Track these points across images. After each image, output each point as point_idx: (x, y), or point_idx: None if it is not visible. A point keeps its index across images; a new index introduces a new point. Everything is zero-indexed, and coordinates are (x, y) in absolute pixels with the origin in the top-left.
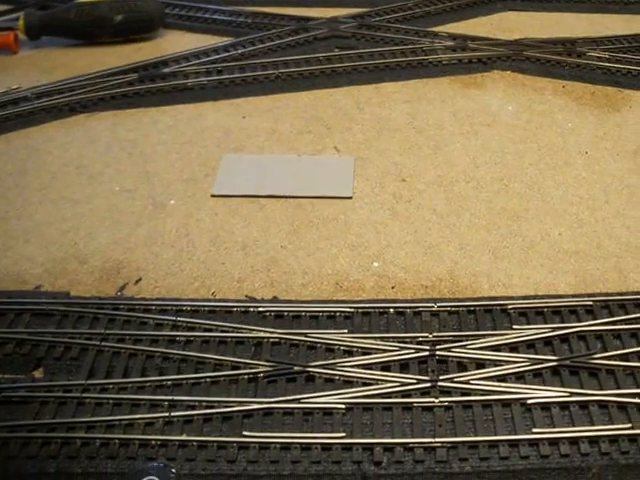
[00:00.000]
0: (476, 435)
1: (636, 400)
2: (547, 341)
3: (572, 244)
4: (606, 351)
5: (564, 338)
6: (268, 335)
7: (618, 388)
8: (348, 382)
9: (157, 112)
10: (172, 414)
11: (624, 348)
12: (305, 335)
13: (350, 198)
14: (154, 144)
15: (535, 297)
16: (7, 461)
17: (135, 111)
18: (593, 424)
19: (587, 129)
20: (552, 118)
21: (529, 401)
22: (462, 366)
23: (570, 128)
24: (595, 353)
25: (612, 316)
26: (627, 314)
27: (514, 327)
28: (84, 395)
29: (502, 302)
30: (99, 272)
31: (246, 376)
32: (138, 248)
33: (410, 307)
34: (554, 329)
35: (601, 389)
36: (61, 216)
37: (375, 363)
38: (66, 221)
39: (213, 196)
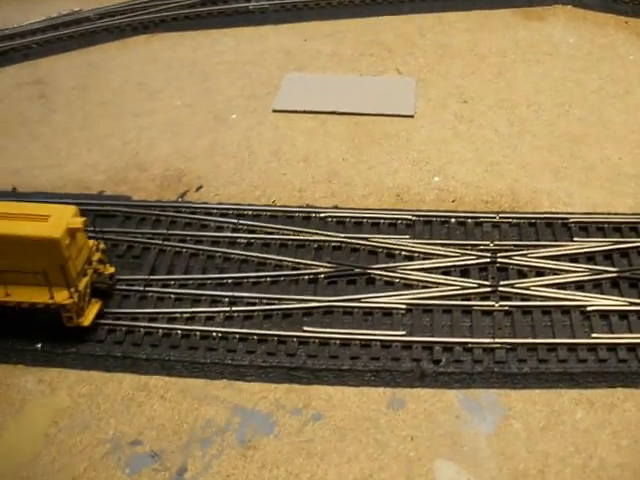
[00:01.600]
0: (535, 338)
1: None
2: (607, 254)
3: (632, 168)
4: None
5: (624, 252)
6: (329, 239)
7: None
8: (408, 285)
9: (218, 34)
10: (233, 309)
11: None
12: (366, 240)
13: (412, 117)
14: (215, 63)
15: (595, 214)
16: None
17: (196, 33)
18: None
19: None
20: (614, 51)
21: (588, 308)
22: (522, 274)
23: (632, 60)
24: None
25: None
26: None
27: (574, 239)
28: (147, 289)
29: (563, 216)
30: (160, 179)
31: (306, 276)
32: (199, 158)
33: (471, 217)
34: (614, 242)
35: None
36: (122, 128)
37: (436, 268)
38: (127, 133)
39: (275, 111)
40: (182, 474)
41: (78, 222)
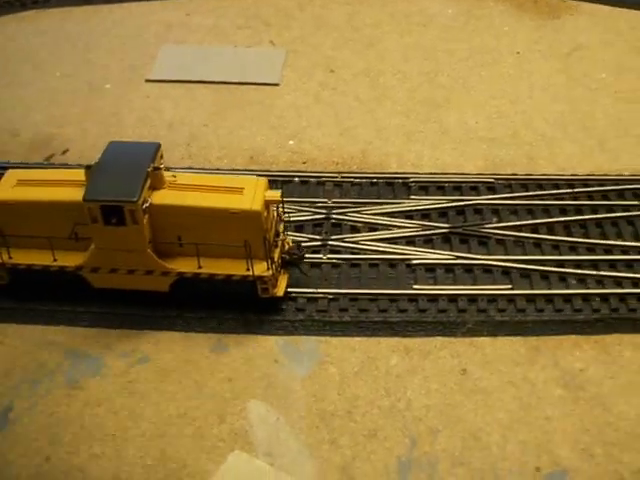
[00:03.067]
0: (359, 289)
1: (521, 266)
2: (442, 211)
3: (488, 132)
4: (500, 222)
5: (460, 210)
6: None
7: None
8: None
9: (106, 9)
10: None
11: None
12: None
13: (277, 85)
14: (99, 37)
15: (438, 174)
16: None
17: (85, 8)
18: (476, 285)
19: (523, 33)
20: (490, 22)
21: (413, 261)
22: (355, 229)
23: (506, 31)
24: (488, 223)
25: (513, 193)
26: (527, 192)
27: (411, 197)
28: None
29: (404, 176)
30: (29, 144)
31: None
32: (69, 125)
33: (314, 177)
34: (451, 201)
35: (489, 256)
36: (0, 97)
37: None
38: (4, 101)
39: (148, 81)
40: (7, 413)
41: (276, 195)
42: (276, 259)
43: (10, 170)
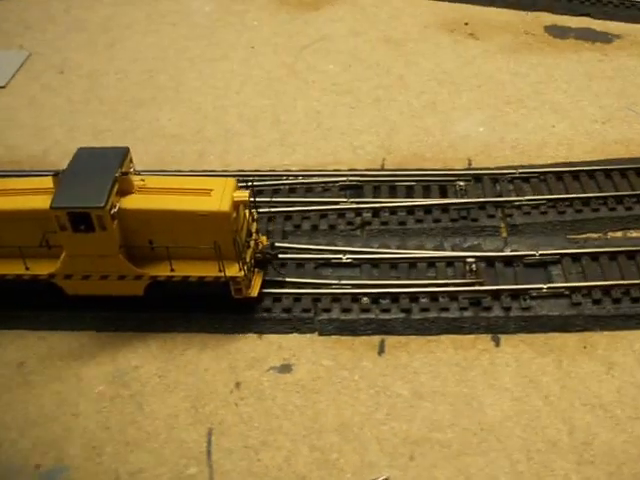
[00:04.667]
0: None
1: None
2: None
3: (176, 128)
4: None
5: None
6: None
7: None
8: None
9: None
10: None
11: None
12: None
13: (3, 87)
14: None
15: None
16: None
17: None
18: None
19: (271, 26)
20: (242, 17)
21: None
22: None
23: (253, 26)
24: None
25: None
26: None
27: None
28: None
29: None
30: None
31: None
32: None
33: None
34: None
35: None
36: None
37: None
38: None
39: None
40: None
41: (244, 195)
42: (248, 259)
43: None
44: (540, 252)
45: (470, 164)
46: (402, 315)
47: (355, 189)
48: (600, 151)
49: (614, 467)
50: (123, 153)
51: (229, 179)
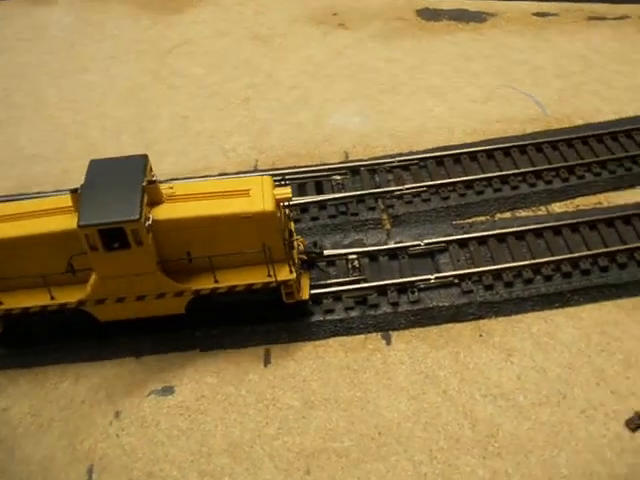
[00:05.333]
0: None
1: None
2: None
3: (36, 148)
4: None
5: None
6: None
7: None
8: None
9: None
10: None
11: None
12: None
13: None
14: None
15: None
16: None
17: None
18: None
19: (133, 33)
20: (102, 27)
21: None
22: None
23: (114, 35)
24: None
25: None
26: None
27: None
28: None
29: None
30: None
31: None
32: None
33: None
34: None
35: None
36: None
37: None
38: None
39: None
40: None
41: (286, 192)
42: (296, 260)
43: None
44: (425, 241)
45: (347, 157)
46: (283, 324)
47: None
48: (482, 132)
49: (521, 456)
50: (143, 162)
51: (265, 177)
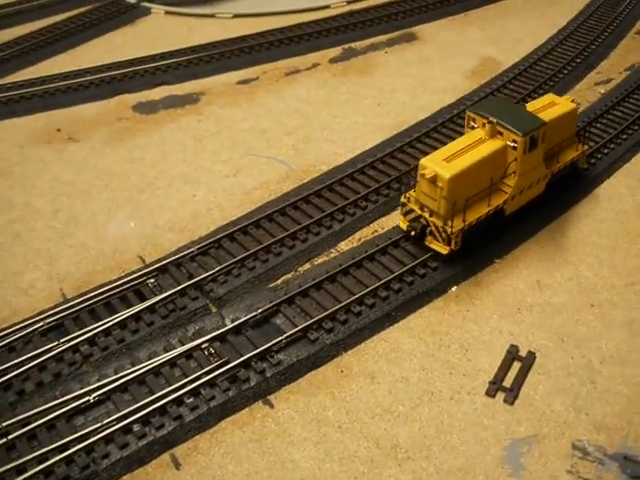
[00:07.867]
0: None
1: None
2: None
3: None
4: None
5: None
6: None
7: None
8: None
9: None
10: None
11: None
12: None
13: None
14: None
15: None
16: None
17: None
18: None
19: None
20: None
21: None
22: None
23: None
24: None
25: None
26: None
27: None
28: None
29: None
30: None
31: None
32: None
33: None
34: None
35: None
36: None
37: None
38: None
39: None
40: None
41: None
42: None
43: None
44: (259, 310)
45: (144, 260)
46: (177, 423)
47: (57, 329)
48: (248, 201)
49: (426, 452)
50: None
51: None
